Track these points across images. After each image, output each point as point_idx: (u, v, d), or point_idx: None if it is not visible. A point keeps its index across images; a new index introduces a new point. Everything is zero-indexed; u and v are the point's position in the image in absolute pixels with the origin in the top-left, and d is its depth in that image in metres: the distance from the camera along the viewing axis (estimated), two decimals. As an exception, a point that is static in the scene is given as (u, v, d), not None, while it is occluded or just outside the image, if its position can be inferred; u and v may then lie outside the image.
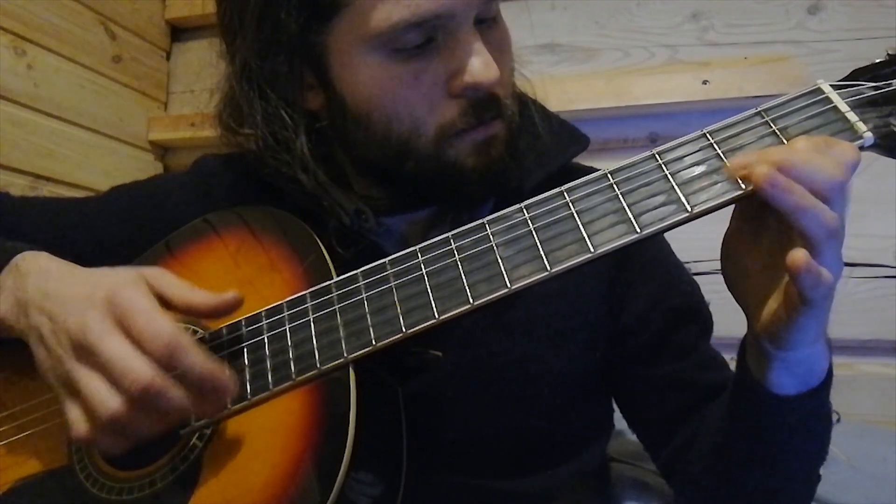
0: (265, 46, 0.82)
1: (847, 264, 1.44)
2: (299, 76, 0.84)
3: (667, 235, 0.85)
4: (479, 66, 0.77)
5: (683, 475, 0.87)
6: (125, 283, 0.68)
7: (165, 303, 0.69)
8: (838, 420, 0.82)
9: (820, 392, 0.68)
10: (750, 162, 0.58)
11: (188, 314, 0.70)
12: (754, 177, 0.57)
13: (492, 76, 0.78)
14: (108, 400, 0.63)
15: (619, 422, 1.00)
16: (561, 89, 1.66)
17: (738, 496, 0.78)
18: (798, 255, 0.55)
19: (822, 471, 0.78)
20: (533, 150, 0.90)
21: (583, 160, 0.97)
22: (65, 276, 0.72)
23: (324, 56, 0.82)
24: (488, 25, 0.82)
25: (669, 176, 0.62)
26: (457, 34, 0.78)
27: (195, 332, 0.76)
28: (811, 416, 0.70)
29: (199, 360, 0.64)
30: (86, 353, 0.64)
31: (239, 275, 0.79)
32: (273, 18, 0.80)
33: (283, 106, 0.84)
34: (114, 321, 0.65)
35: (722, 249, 0.67)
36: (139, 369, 0.62)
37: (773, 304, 0.63)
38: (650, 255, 0.92)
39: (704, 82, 1.60)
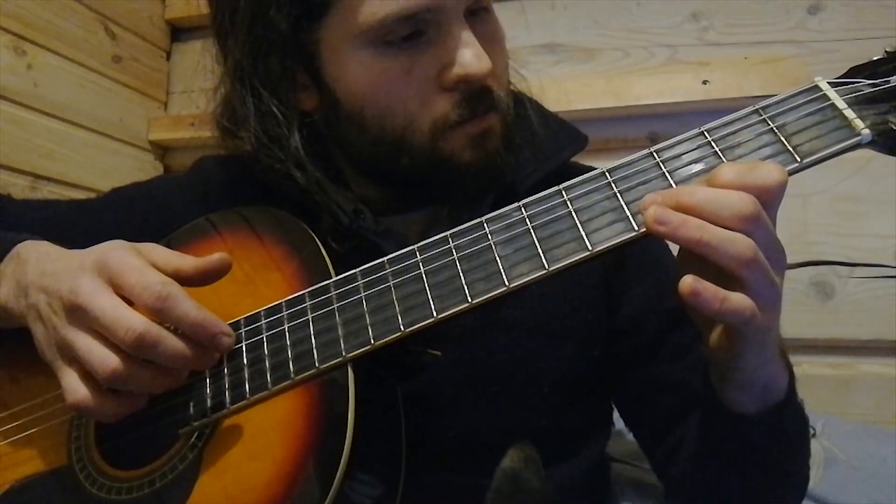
0: (257, 46, 0.83)
1: (847, 264, 1.45)
2: (292, 76, 0.85)
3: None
4: (471, 58, 0.78)
5: (671, 477, 0.88)
6: (113, 247, 0.69)
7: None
8: (814, 435, 0.82)
9: (781, 410, 0.68)
10: (655, 201, 0.58)
11: (177, 279, 0.70)
12: (645, 218, 0.58)
13: (483, 68, 0.78)
14: (105, 358, 0.64)
15: (619, 421, 1.00)
16: (561, 89, 1.66)
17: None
18: (683, 282, 0.55)
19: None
20: (530, 147, 0.91)
21: (583, 160, 0.97)
22: (63, 256, 0.73)
23: (315, 54, 0.82)
24: (480, 18, 0.82)
25: (667, 174, 0.62)
26: (447, 27, 0.78)
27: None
28: (774, 433, 0.69)
29: (192, 307, 0.65)
30: (78, 315, 0.65)
31: (240, 273, 0.79)
32: (264, 18, 0.80)
33: (275, 104, 0.84)
34: (104, 280, 0.66)
35: (677, 270, 0.66)
36: (131, 319, 0.63)
37: (717, 328, 0.64)
38: (648, 255, 0.92)
39: (704, 82, 1.60)
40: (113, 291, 0.65)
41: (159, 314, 0.64)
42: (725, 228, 0.57)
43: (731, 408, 0.68)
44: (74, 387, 0.66)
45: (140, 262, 0.67)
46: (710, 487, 0.78)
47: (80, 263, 0.68)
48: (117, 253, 0.68)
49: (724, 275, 0.57)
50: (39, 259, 0.74)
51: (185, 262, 0.71)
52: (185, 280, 0.70)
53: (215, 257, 0.71)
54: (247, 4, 0.81)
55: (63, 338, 0.66)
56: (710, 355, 0.67)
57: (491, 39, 0.83)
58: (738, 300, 0.56)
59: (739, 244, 0.56)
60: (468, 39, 0.78)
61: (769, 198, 0.58)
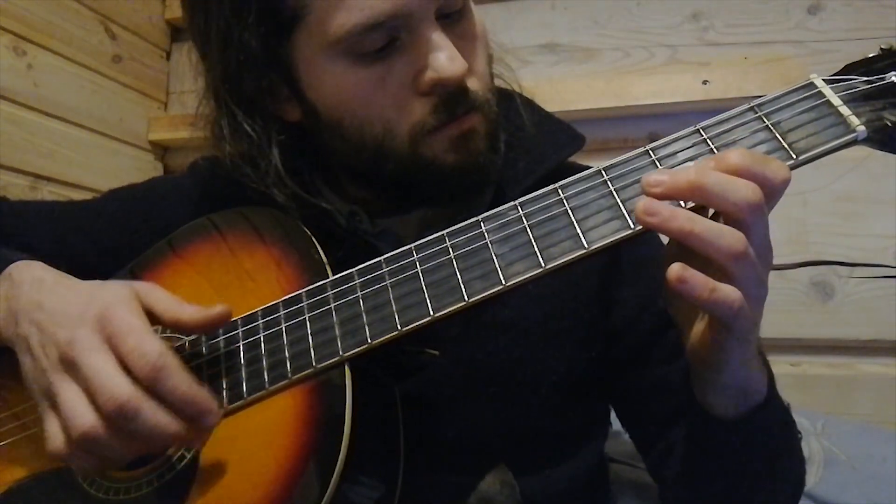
0: (230, 68, 0.82)
1: (847, 264, 1.45)
2: (270, 91, 0.84)
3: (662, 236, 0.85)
4: (444, 61, 0.77)
5: (664, 479, 0.88)
6: (118, 302, 0.68)
7: (154, 318, 0.69)
8: (800, 438, 0.82)
9: (761, 412, 0.68)
10: (663, 180, 0.57)
11: (176, 329, 0.70)
12: (636, 211, 0.57)
13: (457, 70, 0.77)
14: (82, 415, 0.62)
15: (618, 422, 1.00)
16: (560, 89, 1.66)
17: None
18: (671, 270, 0.55)
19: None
20: (522, 145, 0.90)
21: (583, 160, 0.96)
22: (58, 288, 0.72)
23: (292, 68, 0.82)
24: (454, 20, 0.81)
25: None
26: (418, 31, 0.77)
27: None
28: (755, 436, 0.69)
29: (183, 383, 0.63)
30: (70, 367, 0.64)
31: (241, 273, 0.79)
32: (234, 41, 0.80)
33: (250, 124, 0.84)
34: (103, 339, 0.65)
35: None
36: (117, 386, 0.61)
37: (700, 325, 0.63)
38: (643, 254, 0.92)
39: (704, 82, 1.60)
40: (110, 350, 0.64)
41: (151, 383, 0.63)
42: (729, 214, 0.56)
43: (712, 412, 0.68)
44: (53, 435, 0.65)
45: (141, 324, 0.66)
46: (698, 490, 0.78)
47: (80, 312, 0.67)
48: (120, 311, 0.66)
49: (712, 270, 0.57)
50: (33, 286, 0.73)
51: (185, 312, 0.70)
52: (184, 330, 0.71)
53: (216, 311, 0.70)
54: (217, 29, 0.81)
55: (50, 384, 0.65)
56: (690, 356, 0.66)
57: (466, 37, 0.82)
58: (728, 291, 0.55)
59: (729, 237, 0.55)
60: (440, 42, 0.77)
61: (772, 195, 0.57)
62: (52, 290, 0.72)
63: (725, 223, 0.57)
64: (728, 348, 0.60)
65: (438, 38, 0.78)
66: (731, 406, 0.67)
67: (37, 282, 0.73)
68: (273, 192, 0.84)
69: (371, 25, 0.75)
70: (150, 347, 0.63)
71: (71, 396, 0.63)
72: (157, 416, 0.62)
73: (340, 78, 0.79)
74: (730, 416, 0.68)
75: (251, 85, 0.83)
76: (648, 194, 0.58)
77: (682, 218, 0.56)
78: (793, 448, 0.78)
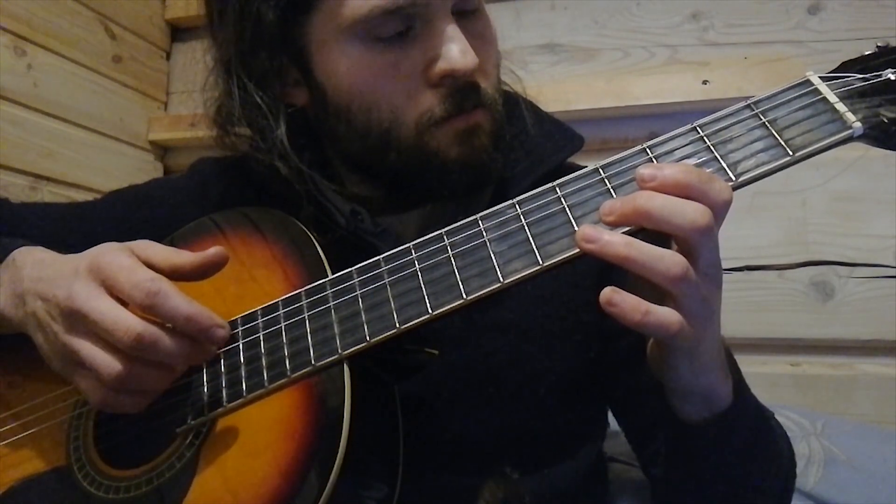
0: (245, 40, 0.83)
1: (847, 264, 1.45)
2: (280, 72, 0.85)
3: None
4: (456, 54, 0.78)
5: (653, 478, 0.89)
6: (107, 249, 0.70)
7: (152, 269, 0.70)
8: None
9: (726, 417, 0.68)
10: (616, 207, 0.59)
11: (175, 276, 0.70)
12: (575, 238, 0.59)
13: (468, 63, 0.78)
14: (108, 362, 0.64)
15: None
16: (560, 89, 1.66)
17: None
18: (602, 293, 0.57)
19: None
20: (523, 147, 0.91)
21: (583, 160, 0.96)
22: (57, 261, 0.73)
23: (304, 49, 0.83)
24: (469, 18, 0.82)
25: None
26: (433, 22, 0.78)
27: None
28: (723, 440, 0.70)
29: (182, 302, 0.65)
30: (77, 321, 0.66)
31: (242, 272, 0.79)
32: (253, 14, 0.81)
33: (261, 96, 0.85)
34: (98, 283, 0.66)
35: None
36: (126, 321, 0.63)
37: (650, 340, 0.66)
38: None
39: (704, 82, 1.60)
40: (107, 293, 0.66)
41: (151, 310, 0.64)
42: (676, 236, 0.57)
43: (679, 417, 0.69)
44: (90, 390, 0.67)
45: (131, 262, 0.67)
46: (680, 491, 0.79)
47: (73, 268, 0.69)
48: (109, 255, 0.68)
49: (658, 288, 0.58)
50: (34, 266, 0.74)
51: (182, 257, 0.71)
52: (183, 275, 0.71)
53: (212, 251, 0.71)
54: (236, 1, 0.82)
55: (65, 345, 0.67)
56: (650, 366, 0.68)
57: (479, 36, 0.83)
58: (663, 314, 0.57)
59: (668, 261, 0.56)
60: (454, 34, 0.78)
61: (718, 215, 0.58)
62: (51, 265, 0.73)
63: (676, 243, 0.58)
64: (674, 364, 0.63)
65: (453, 30, 0.79)
66: (694, 412, 0.69)
67: (37, 262, 0.75)
68: (279, 164, 0.85)
69: (388, 10, 0.76)
70: (141, 276, 0.65)
71: (89, 349, 0.65)
72: (173, 339, 0.65)
73: (353, 62, 0.80)
74: (696, 422, 0.69)
75: (263, 62, 0.84)
76: (604, 222, 0.59)
77: (619, 244, 0.57)
78: (770, 449, 0.78)
